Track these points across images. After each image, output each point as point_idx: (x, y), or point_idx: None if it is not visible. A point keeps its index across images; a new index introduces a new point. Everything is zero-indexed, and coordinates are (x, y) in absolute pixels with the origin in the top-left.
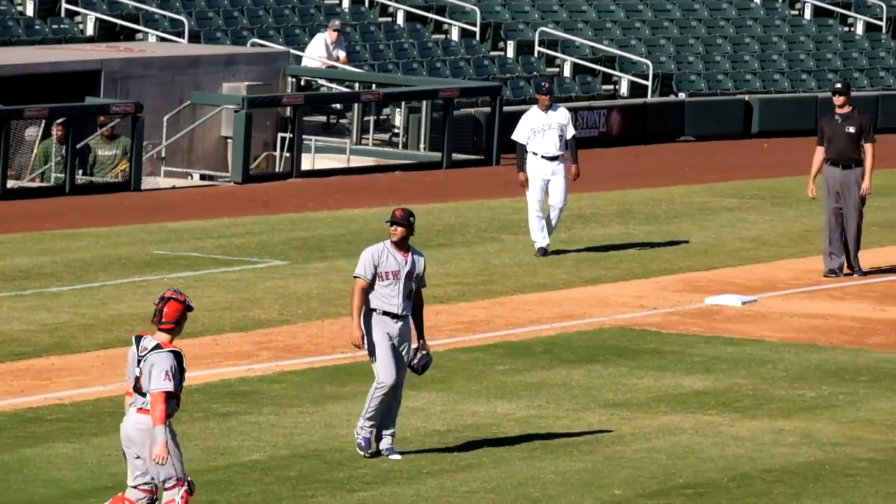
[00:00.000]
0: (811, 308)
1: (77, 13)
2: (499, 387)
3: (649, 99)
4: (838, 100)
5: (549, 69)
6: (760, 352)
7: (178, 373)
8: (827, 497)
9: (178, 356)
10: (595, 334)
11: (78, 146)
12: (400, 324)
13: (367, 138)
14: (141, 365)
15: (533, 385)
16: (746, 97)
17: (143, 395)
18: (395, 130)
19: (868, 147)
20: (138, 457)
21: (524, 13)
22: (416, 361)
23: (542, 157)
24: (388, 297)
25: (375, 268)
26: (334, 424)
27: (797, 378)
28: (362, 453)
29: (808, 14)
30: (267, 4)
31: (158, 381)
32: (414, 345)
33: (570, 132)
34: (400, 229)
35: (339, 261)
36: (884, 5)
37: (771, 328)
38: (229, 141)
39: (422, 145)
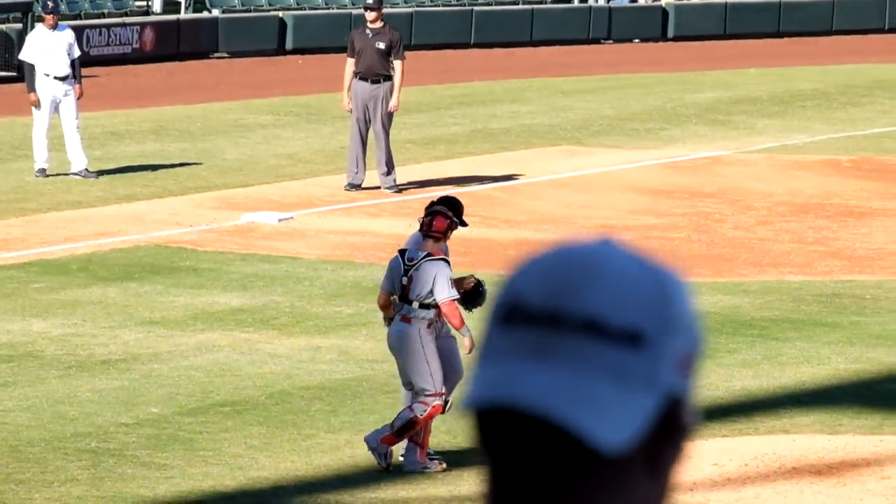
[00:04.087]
0: (348, 225)
1: None
2: (34, 305)
3: (182, 15)
4: (370, 15)
5: None
6: (297, 269)
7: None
8: (365, 413)
9: (448, 263)
10: (131, 252)
11: None
12: None
13: None
14: (411, 273)
15: (69, 303)
16: (280, 14)
17: (410, 303)
18: None
19: (398, 64)
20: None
21: None
22: None
23: (54, 77)
24: None
25: None
26: None
27: (334, 295)
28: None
29: None
30: None
31: (446, 290)
32: None
33: (76, 52)
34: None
35: None
36: None
37: (308, 245)
38: None
39: None
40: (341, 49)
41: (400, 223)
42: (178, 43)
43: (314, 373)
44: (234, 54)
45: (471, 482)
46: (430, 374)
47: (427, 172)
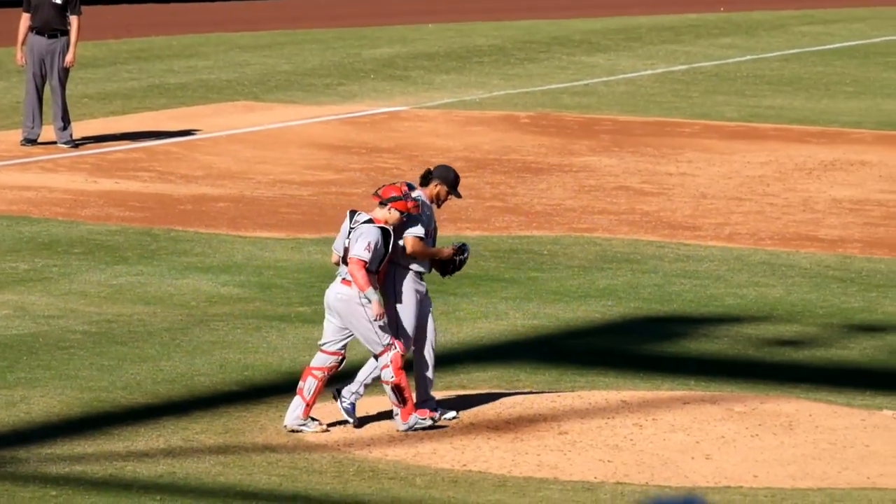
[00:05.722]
0: (24, 180)
1: None
2: None
3: None
4: None
5: None
6: None
7: (382, 249)
8: (41, 369)
9: (385, 232)
10: None
11: None
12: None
13: None
14: (350, 236)
15: None
16: None
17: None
18: None
19: (74, 19)
20: (340, 325)
21: None
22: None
23: None
24: None
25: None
26: None
27: (10, 251)
28: (350, 419)
29: None
30: None
31: (359, 249)
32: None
33: None
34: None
35: None
36: None
37: None
38: None
39: None
40: (16, 3)
41: (76, 178)
42: None
43: None
44: None
45: (147, 438)
46: (374, 331)
47: (104, 127)
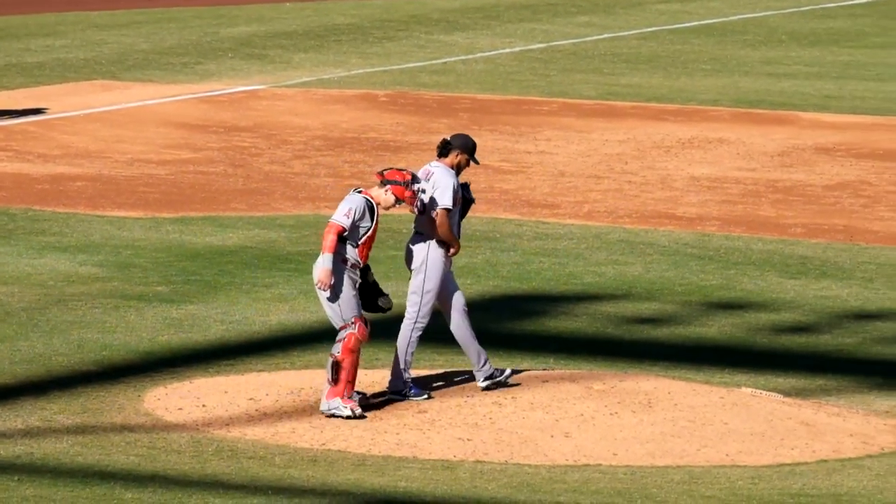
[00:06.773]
0: None
1: None
2: None
3: None
4: None
5: None
6: None
7: (362, 219)
8: None
9: (369, 203)
10: None
11: None
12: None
13: None
14: None
15: None
16: None
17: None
18: None
19: None
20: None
21: None
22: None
23: None
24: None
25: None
26: None
27: None
28: (424, 396)
29: None
30: None
31: (339, 214)
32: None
33: None
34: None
35: None
36: None
37: None
38: None
39: None
40: None
41: None
42: None
43: None
44: None
45: (4, 419)
46: (338, 304)
47: None
